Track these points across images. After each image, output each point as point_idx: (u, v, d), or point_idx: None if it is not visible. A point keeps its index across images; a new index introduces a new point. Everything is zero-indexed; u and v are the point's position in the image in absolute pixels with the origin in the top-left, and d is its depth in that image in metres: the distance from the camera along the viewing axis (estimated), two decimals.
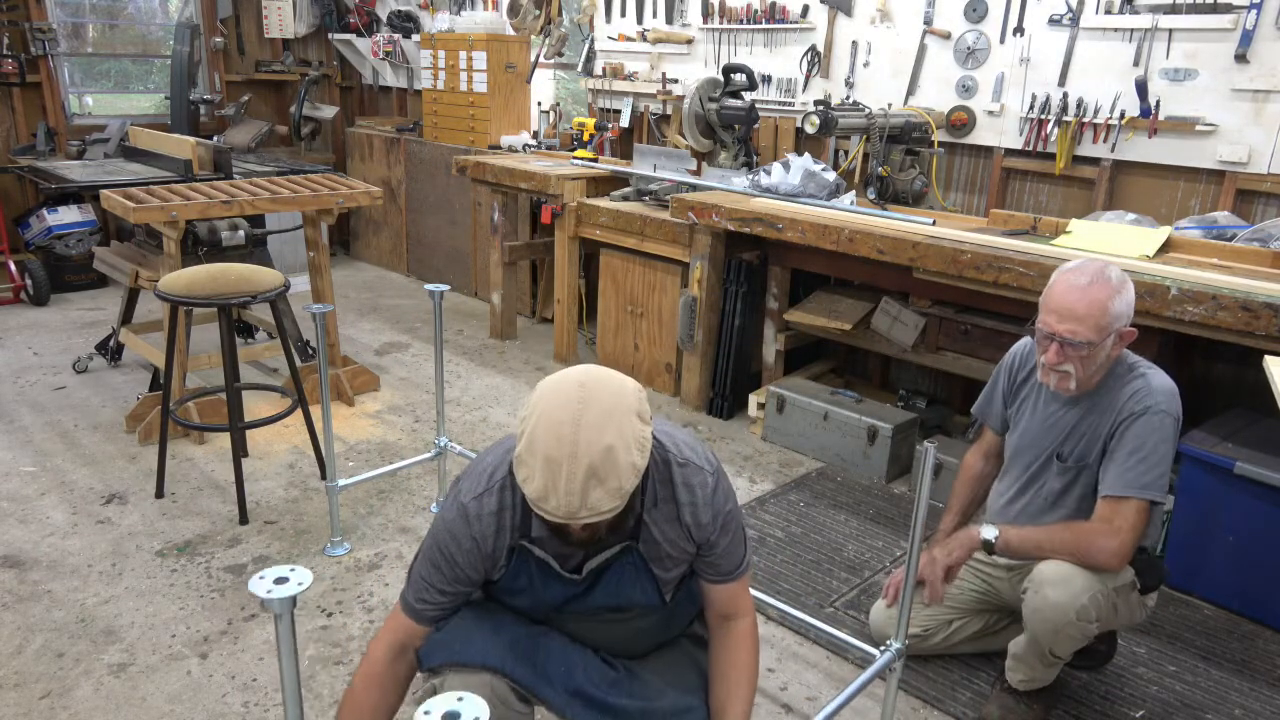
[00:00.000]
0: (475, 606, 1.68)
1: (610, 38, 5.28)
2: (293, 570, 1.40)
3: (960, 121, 3.91)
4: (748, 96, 4.38)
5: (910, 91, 4.07)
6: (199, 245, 3.95)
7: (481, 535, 1.55)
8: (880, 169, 3.75)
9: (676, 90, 4.92)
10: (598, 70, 5.35)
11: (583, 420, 1.35)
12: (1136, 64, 3.42)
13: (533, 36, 5.70)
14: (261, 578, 1.38)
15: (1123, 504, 1.98)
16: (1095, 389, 2.10)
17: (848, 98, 4.25)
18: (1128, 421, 2.02)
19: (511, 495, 1.55)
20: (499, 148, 5.63)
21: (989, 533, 2.07)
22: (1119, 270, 2.03)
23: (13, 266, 5.49)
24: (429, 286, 2.94)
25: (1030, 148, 3.74)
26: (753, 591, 2.44)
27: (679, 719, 1.65)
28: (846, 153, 4.29)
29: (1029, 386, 2.27)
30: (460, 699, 1.14)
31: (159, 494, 3.23)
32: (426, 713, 1.12)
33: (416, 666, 1.67)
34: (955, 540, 2.13)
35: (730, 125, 4.38)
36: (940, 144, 3.96)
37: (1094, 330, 1.98)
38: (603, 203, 4.45)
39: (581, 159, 4.92)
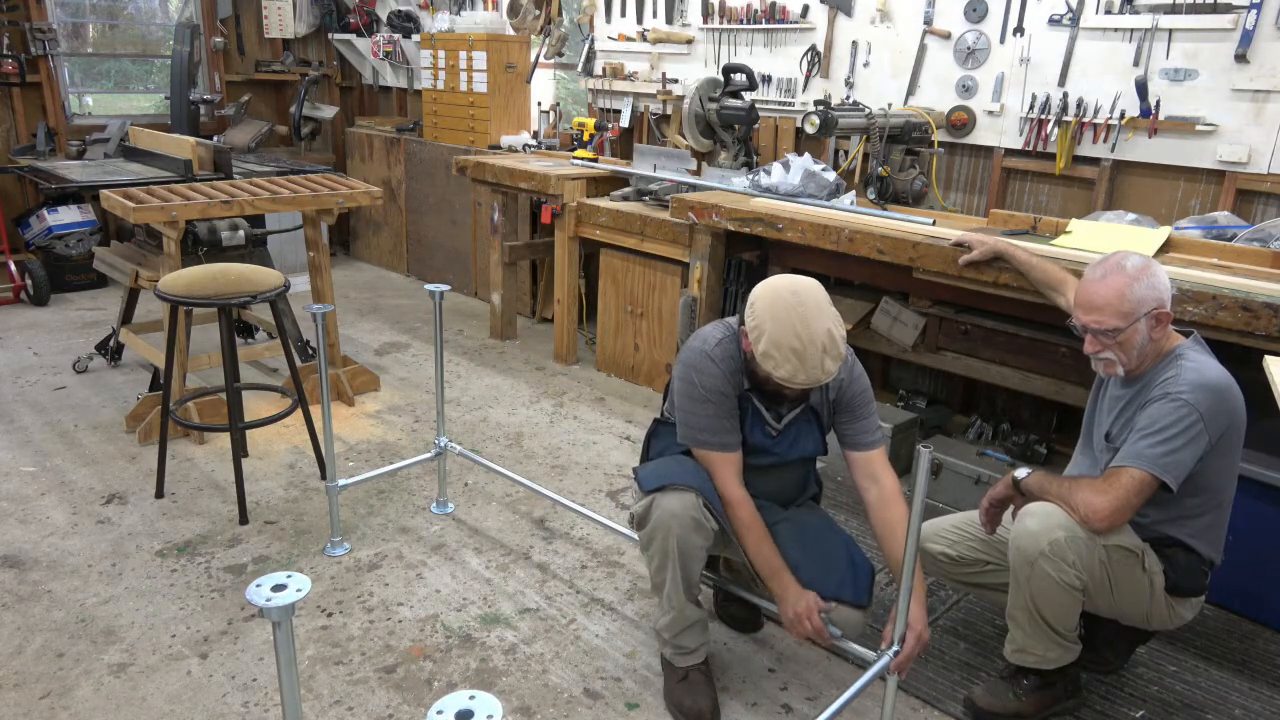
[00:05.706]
0: (673, 455, 2.25)
1: (610, 38, 5.28)
2: (290, 577, 1.38)
3: (960, 121, 3.91)
4: (748, 96, 4.37)
5: (910, 91, 4.07)
6: (199, 245, 3.95)
7: (724, 376, 2.16)
8: (880, 169, 3.74)
9: (676, 90, 4.92)
10: (598, 70, 5.35)
11: (808, 317, 1.97)
12: (1136, 64, 3.42)
13: (533, 36, 5.70)
14: (259, 585, 1.36)
15: (1121, 472, 2.02)
16: (1146, 372, 2.14)
17: (848, 98, 4.25)
18: (1146, 404, 2.07)
19: (728, 365, 2.16)
20: (499, 148, 5.62)
21: (1021, 472, 2.19)
22: (1139, 258, 2.08)
23: (13, 266, 5.50)
24: (429, 286, 2.94)
25: (1030, 148, 3.74)
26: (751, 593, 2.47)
27: (823, 538, 2.24)
28: (846, 153, 4.29)
29: None
30: (472, 697, 1.13)
31: (159, 494, 3.23)
32: (440, 712, 1.11)
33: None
34: (1002, 480, 2.23)
35: (730, 125, 4.37)
36: (940, 144, 3.95)
37: (1116, 316, 2.05)
38: (603, 203, 4.45)
39: (581, 159, 4.91)
